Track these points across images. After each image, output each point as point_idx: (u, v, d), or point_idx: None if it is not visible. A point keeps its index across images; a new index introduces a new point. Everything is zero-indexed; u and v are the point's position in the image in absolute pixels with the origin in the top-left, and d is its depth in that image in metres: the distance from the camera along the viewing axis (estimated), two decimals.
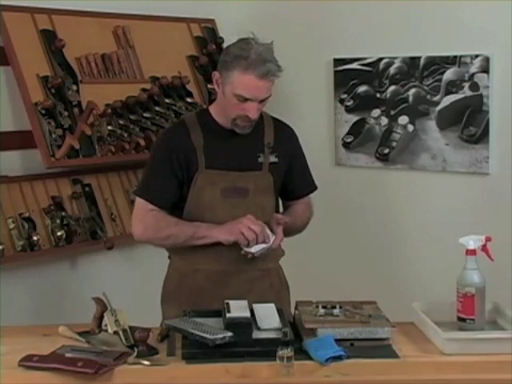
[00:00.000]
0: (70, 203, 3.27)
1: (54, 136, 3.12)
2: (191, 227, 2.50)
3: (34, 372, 2.09)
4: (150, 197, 2.53)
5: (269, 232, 2.47)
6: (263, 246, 2.45)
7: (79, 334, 2.33)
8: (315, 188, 2.75)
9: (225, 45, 3.78)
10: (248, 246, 2.44)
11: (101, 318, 2.34)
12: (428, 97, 3.48)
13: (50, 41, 3.23)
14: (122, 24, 3.51)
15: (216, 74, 2.50)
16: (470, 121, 3.36)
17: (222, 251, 2.51)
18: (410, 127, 3.55)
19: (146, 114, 3.45)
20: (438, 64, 3.44)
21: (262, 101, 2.45)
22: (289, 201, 2.70)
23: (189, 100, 3.64)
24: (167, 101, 3.55)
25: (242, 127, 2.50)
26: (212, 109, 2.59)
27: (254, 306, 2.35)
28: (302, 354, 2.14)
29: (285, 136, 2.66)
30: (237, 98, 2.42)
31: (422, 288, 3.38)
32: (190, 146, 2.51)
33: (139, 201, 2.56)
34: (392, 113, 3.60)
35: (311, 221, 2.74)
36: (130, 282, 3.49)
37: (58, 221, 3.16)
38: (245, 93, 2.41)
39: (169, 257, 2.69)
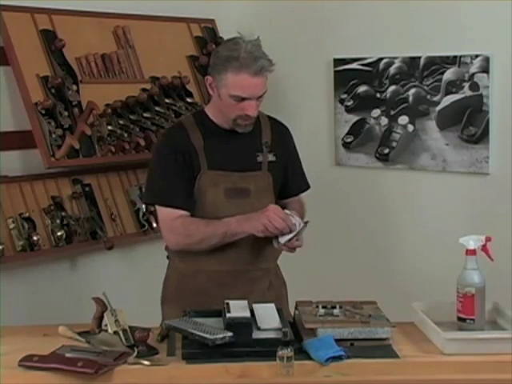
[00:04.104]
0: (70, 203, 3.27)
1: (53, 136, 3.12)
2: (221, 226, 2.46)
3: (34, 372, 2.09)
4: (172, 202, 2.50)
5: (295, 220, 2.43)
6: (289, 236, 2.42)
7: (79, 333, 2.33)
8: (308, 187, 2.76)
9: None
10: (277, 236, 2.43)
11: (101, 318, 2.34)
12: (428, 97, 3.48)
13: (50, 41, 3.24)
14: (121, 24, 3.51)
15: (209, 79, 2.49)
16: (470, 121, 3.36)
17: (225, 252, 2.51)
18: (410, 127, 3.55)
19: (146, 114, 3.45)
20: (438, 64, 3.44)
21: (258, 97, 2.45)
22: (282, 199, 2.69)
23: (189, 100, 3.64)
24: (167, 101, 3.56)
25: (243, 126, 2.50)
26: (208, 110, 2.59)
27: (254, 306, 2.35)
28: (301, 354, 2.14)
29: (281, 134, 2.67)
30: (234, 98, 2.42)
31: (422, 288, 3.38)
32: (190, 147, 2.50)
33: (162, 210, 2.52)
34: (392, 113, 3.60)
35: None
36: (130, 281, 3.49)
37: (58, 221, 3.16)
38: (241, 93, 2.41)
39: (167, 257, 2.69)
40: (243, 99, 2.42)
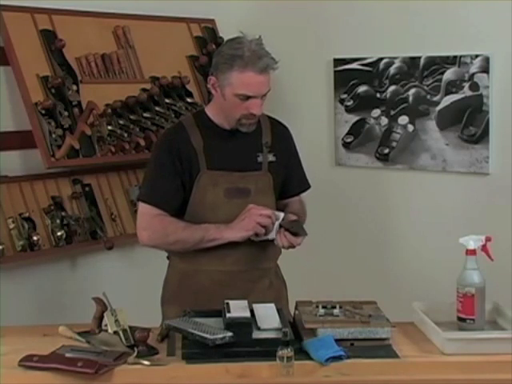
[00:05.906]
0: (70, 203, 3.27)
1: (53, 136, 3.12)
2: (200, 231, 2.47)
3: (34, 372, 2.09)
4: (156, 201, 2.50)
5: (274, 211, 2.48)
6: (275, 225, 2.46)
7: (79, 334, 2.33)
8: (309, 186, 2.76)
9: None
10: (266, 233, 2.45)
11: (101, 318, 2.34)
12: (428, 97, 3.48)
13: (50, 41, 3.24)
14: (121, 24, 3.51)
15: (212, 79, 2.49)
16: (470, 121, 3.36)
17: (225, 252, 2.51)
18: (410, 127, 3.55)
19: (146, 114, 3.45)
20: (438, 64, 3.44)
21: (263, 96, 2.46)
22: (282, 199, 2.70)
23: (189, 100, 3.64)
24: (167, 101, 3.55)
25: (247, 125, 2.50)
26: (209, 110, 2.59)
27: (254, 306, 2.35)
28: (301, 354, 2.14)
29: (281, 135, 2.67)
30: (239, 97, 2.42)
31: (422, 288, 3.38)
32: (190, 147, 2.50)
33: (144, 206, 2.53)
34: (392, 113, 3.60)
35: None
36: (130, 282, 3.49)
37: (58, 221, 3.16)
38: (247, 91, 2.41)
39: (167, 257, 2.69)
40: (248, 98, 2.42)
